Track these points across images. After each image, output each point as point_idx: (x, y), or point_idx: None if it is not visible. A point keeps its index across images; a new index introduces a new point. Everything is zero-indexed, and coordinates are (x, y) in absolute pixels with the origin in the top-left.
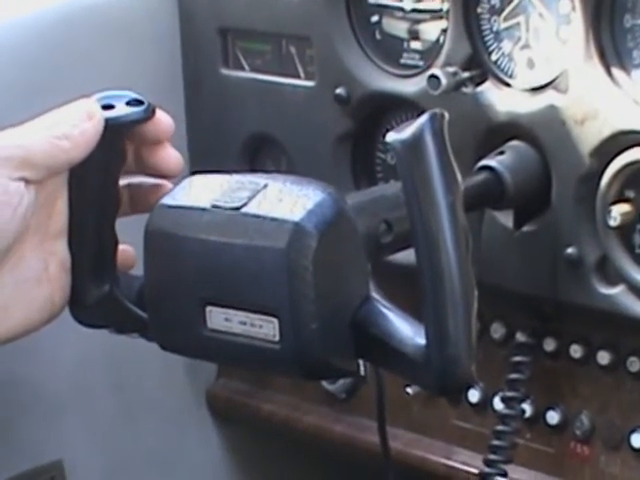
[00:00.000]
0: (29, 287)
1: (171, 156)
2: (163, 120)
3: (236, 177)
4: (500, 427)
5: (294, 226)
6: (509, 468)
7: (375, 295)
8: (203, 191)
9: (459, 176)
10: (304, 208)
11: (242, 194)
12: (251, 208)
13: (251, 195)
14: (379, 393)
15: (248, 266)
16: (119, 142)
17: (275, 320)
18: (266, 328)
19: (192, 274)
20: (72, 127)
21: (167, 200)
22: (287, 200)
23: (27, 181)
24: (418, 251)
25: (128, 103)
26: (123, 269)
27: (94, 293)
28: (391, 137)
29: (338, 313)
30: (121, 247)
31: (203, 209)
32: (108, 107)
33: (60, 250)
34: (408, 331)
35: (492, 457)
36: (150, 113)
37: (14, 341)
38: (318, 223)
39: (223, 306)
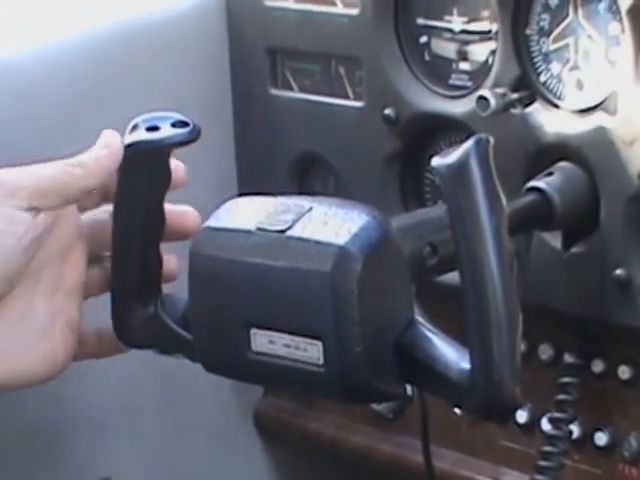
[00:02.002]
0: (32, 337)
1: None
2: (178, 172)
3: (281, 199)
4: (547, 448)
5: (339, 250)
6: None
7: (420, 318)
8: (248, 213)
9: (504, 200)
10: (349, 232)
11: (287, 217)
12: (296, 231)
13: (296, 218)
14: (423, 415)
15: (293, 289)
16: (163, 163)
17: (319, 343)
18: (310, 351)
19: (237, 297)
20: (87, 154)
21: (212, 222)
22: (332, 223)
23: (38, 210)
24: (463, 275)
25: (173, 125)
26: (165, 280)
27: (139, 314)
28: (436, 162)
29: (383, 336)
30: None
31: (248, 232)
32: (153, 128)
33: (69, 310)
34: (453, 355)
35: (539, 478)
36: (195, 135)
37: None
38: (363, 247)
39: (268, 329)
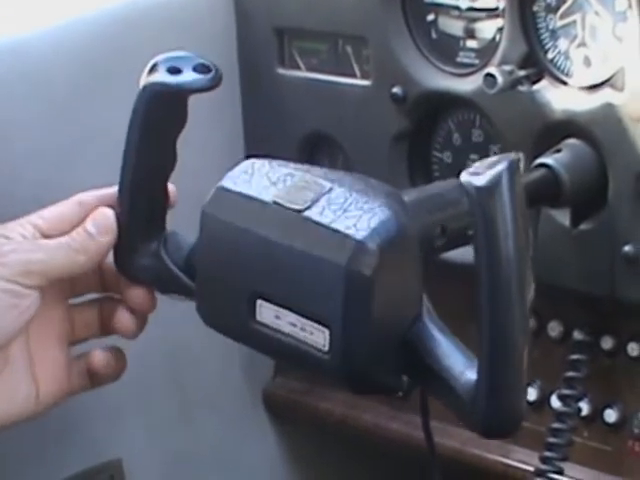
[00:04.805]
0: (13, 380)
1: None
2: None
3: (300, 174)
4: (556, 425)
5: (357, 244)
6: (566, 466)
7: (427, 316)
8: (265, 181)
9: (529, 226)
10: (368, 225)
11: (306, 195)
12: (314, 213)
13: (315, 198)
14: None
15: (305, 272)
16: (182, 106)
17: (327, 331)
18: (316, 336)
19: (246, 267)
20: (89, 239)
21: (227, 183)
22: (351, 211)
23: (40, 289)
24: (481, 294)
25: (195, 68)
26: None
27: (142, 249)
28: (466, 179)
29: (390, 332)
30: None
31: (264, 203)
32: (174, 70)
33: (52, 352)
34: (459, 363)
35: (548, 454)
36: (217, 82)
37: None
38: (381, 243)
39: (275, 304)
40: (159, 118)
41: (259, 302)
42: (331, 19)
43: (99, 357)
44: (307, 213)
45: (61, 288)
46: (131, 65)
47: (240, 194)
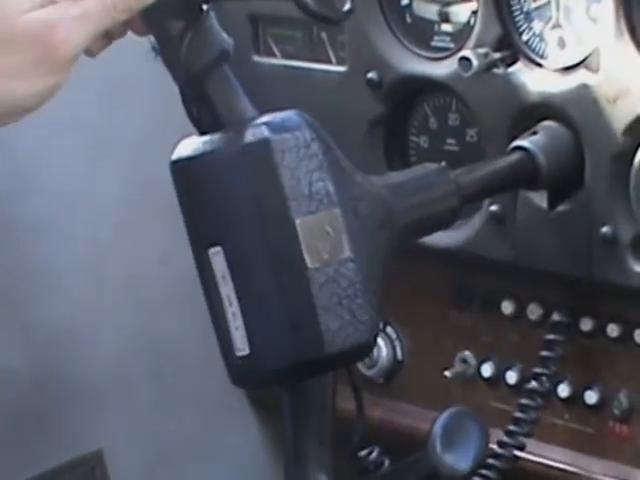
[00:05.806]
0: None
1: None
2: None
3: (334, 209)
4: (525, 401)
5: (322, 352)
6: (548, 448)
7: None
8: (304, 186)
9: None
10: (343, 343)
11: (323, 249)
12: (316, 281)
13: (328, 261)
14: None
15: (272, 308)
16: None
17: (248, 350)
18: (240, 339)
19: (232, 222)
20: None
21: (277, 145)
22: (344, 307)
23: None
24: None
25: None
26: None
27: (171, 19)
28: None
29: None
30: None
31: (288, 214)
32: None
33: None
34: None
35: (512, 428)
36: None
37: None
38: (342, 360)
39: (229, 274)
40: None
41: (218, 250)
42: None
43: None
44: (311, 275)
45: None
46: (102, 53)
47: (279, 177)
